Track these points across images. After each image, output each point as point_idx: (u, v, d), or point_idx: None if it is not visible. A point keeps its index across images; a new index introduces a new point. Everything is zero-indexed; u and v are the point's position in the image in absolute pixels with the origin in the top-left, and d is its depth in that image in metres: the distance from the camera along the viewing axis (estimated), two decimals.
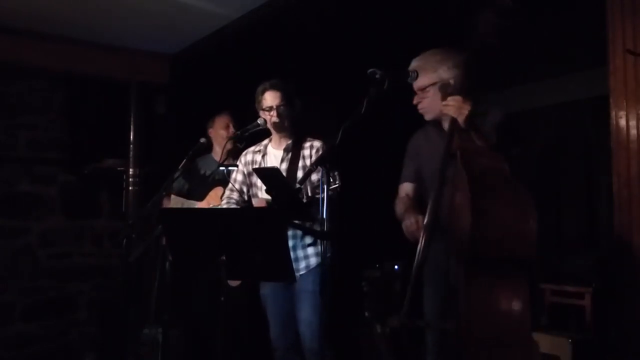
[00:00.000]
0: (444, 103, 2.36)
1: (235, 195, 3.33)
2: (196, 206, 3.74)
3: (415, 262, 2.19)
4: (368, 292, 2.01)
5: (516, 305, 2.04)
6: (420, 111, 2.58)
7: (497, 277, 2.05)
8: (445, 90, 2.46)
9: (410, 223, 2.37)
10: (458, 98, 2.31)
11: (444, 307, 2.24)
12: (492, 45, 2.28)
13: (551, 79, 4.44)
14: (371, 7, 4.02)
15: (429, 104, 2.53)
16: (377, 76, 2.31)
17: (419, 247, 2.21)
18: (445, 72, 2.46)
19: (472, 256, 2.02)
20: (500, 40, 2.30)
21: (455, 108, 2.29)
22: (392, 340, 2.07)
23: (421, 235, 2.22)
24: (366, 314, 1.98)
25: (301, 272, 3.10)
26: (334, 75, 4.68)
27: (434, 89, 2.50)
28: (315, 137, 3.24)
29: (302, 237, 3.08)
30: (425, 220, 2.23)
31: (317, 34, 4.37)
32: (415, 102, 2.57)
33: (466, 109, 2.26)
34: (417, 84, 2.52)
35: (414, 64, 2.54)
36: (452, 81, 2.46)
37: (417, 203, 2.57)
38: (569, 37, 4.14)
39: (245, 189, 3.33)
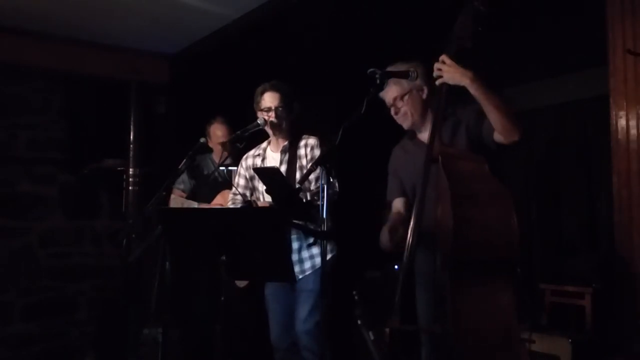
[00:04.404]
0: (436, 66, 2.29)
1: (240, 197, 3.34)
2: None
3: (402, 266, 2.19)
4: (359, 300, 2.00)
5: (502, 306, 2.05)
6: (399, 120, 2.58)
7: (482, 278, 2.06)
8: (420, 94, 2.52)
9: (383, 236, 2.36)
10: (450, 62, 2.25)
11: (435, 311, 2.24)
12: (467, 49, 2.28)
13: (551, 79, 4.43)
14: (371, 7, 4.02)
15: (408, 110, 2.53)
16: (377, 76, 2.31)
17: (405, 253, 2.20)
18: (417, 80, 2.46)
19: (455, 259, 2.03)
20: (486, 42, 2.28)
21: (450, 73, 2.24)
22: (390, 342, 2.07)
23: (407, 241, 2.22)
24: (359, 321, 1.97)
25: (307, 272, 3.10)
26: (334, 75, 4.68)
27: (410, 96, 2.52)
28: (311, 134, 3.23)
29: (306, 238, 3.08)
30: (411, 226, 2.23)
31: (316, 33, 4.37)
32: (393, 113, 2.57)
33: (467, 75, 2.21)
34: (391, 94, 2.53)
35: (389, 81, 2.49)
36: (425, 87, 2.51)
37: (409, 217, 2.54)
38: (568, 37, 4.14)
39: (248, 194, 3.33)
